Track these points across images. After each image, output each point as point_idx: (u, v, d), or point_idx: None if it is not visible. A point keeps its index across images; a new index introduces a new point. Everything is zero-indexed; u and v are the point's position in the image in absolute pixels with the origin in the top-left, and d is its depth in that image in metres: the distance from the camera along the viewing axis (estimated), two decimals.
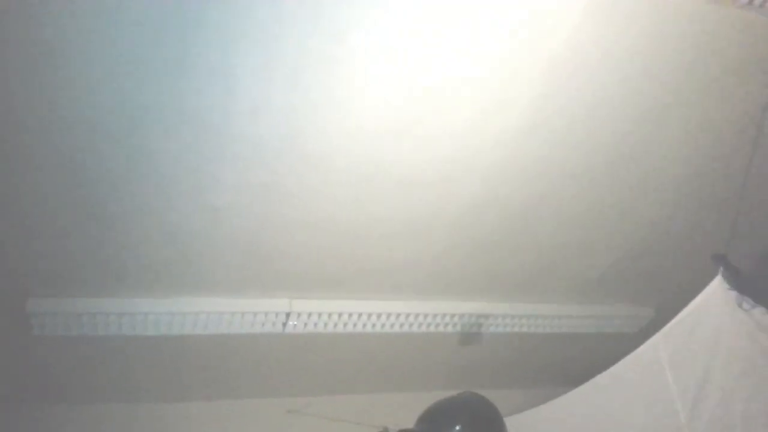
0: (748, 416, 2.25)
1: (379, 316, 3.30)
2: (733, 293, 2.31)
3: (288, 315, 3.11)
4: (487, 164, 2.66)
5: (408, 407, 1.73)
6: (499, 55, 2.22)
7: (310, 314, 3.16)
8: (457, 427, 1.35)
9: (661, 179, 2.98)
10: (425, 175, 2.63)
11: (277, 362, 3.46)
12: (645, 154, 2.82)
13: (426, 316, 3.37)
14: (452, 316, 3.42)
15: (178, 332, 2.96)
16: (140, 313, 2.84)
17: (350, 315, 3.25)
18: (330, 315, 3.20)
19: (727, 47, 2.40)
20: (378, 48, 2.11)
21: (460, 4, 2.05)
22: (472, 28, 2.11)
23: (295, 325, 3.16)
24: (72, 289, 2.72)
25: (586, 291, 3.67)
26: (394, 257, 3.04)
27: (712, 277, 2.38)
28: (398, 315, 3.33)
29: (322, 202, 2.63)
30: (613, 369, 2.73)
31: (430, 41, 2.12)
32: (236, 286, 2.94)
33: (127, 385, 3.28)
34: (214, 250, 2.72)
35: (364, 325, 3.31)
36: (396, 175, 2.59)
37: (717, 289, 2.36)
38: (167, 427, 3.41)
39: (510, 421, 1.58)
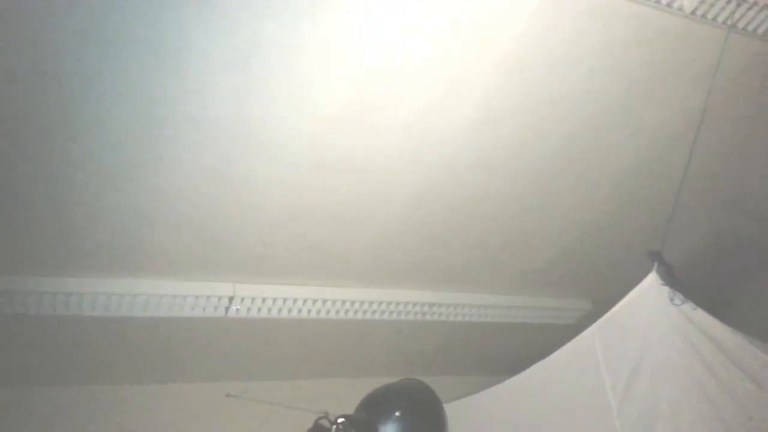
0: (675, 406, 2.35)
1: (324, 302, 3.28)
2: (666, 288, 2.40)
3: (231, 299, 3.06)
4: (435, 157, 2.68)
5: (349, 393, 1.73)
6: (451, 51, 2.23)
7: (253, 299, 3.11)
8: (397, 413, 1.36)
9: (602, 178, 3.08)
10: (374, 165, 2.63)
11: (217, 346, 3.40)
12: (587, 154, 2.90)
13: (371, 303, 3.38)
14: (396, 304, 3.45)
15: (115, 314, 2.86)
16: (76, 294, 2.73)
17: (294, 301, 3.22)
18: (274, 300, 3.17)
19: (669, 53, 2.48)
20: (331, 36, 2.08)
21: None
22: (425, 22, 2.11)
23: (238, 309, 3.12)
24: (9, 268, 2.60)
25: (528, 283, 3.76)
26: (340, 244, 3.03)
27: (646, 273, 2.46)
28: (343, 302, 3.33)
29: (271, 188, 2.59)
30: (549, 358, 2.80)
31: (383, 33, 2.11)
32: (179, 268, 2.87)
33: (60, 366, 3.16)
34: (156, 231, 2.64)
35: (309, 311, 3.29)
36: (345, 163, 2.58)
37: (651, 284, 2.45)
38: (100, 411, 3.30)
39: (449, 408, 1.60)
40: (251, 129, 2.32)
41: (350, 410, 1.63)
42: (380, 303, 3.41)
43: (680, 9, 2.26)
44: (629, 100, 2.66)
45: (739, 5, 2.27)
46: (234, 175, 2.48)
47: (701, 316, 2.37)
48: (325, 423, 1.34)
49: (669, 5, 2.23)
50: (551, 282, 3.81)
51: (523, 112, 2.57)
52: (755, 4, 2.32)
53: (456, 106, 2.45)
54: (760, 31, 2.43)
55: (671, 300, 2.39)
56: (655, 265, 2.43)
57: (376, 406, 1.39)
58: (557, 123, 2.68)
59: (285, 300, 3.19)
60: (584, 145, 2.85)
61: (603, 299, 2.95)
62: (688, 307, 2.37)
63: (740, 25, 2.37)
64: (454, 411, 1.81)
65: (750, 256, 4.11)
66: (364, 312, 3.43)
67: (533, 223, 3.26)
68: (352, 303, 3.35)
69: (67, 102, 2.07)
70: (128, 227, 2.57)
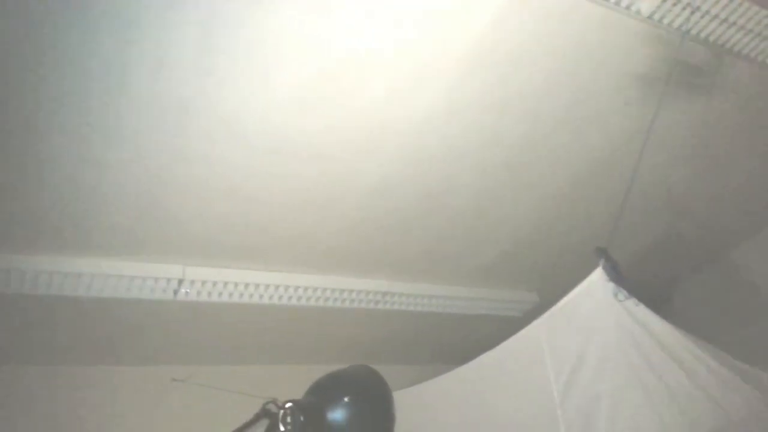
0: (615, 398, 2.44)
1: (276, 287, 3.26)
2: (611, 285, 2.46)
3: (180, 282, 3.00)
4: (395, 148, 2.68)
5: (298, 380, 1.73)
6: (415, 43, 2.23)
7: (204, 282, 3.06)
8: (346, 399, 1.37)
9: (556, 176, 3.14)
10: (334, 151, 2.62)
11: (165, 329, 3.34)
12: (543, 152, 2.96)
13: (324, 290, 3.38)
14: (350, 291, 3.45)
15: (58, 293, 2.77)
16: (17, 270, 2.63)
17: (246, 285, 3.19)
18: (225, 284, 3.12)
19: (626, 56, 2.54)
20: (297, 20, 2.05)
21: None
22: (390, 12, 2.10)
23: (188, 292, 3.06)
24: None
25: (479, 275, 3.82)
26: (295, 230, 3.01)
27: (592, 269, 2.53)
28: (296, 288, 3.31)
29: (228, 169, 2.55)
30: (497, 349, 2.86)
31: (347, 18, 2.09)
32: (127, 248, 2.80)
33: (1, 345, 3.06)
34: (103, 209, 2.56)
35: (261, 297, 3.26)
36: (306, 148, 2.55)
37: (596, 279, 2.51)
38: (42, 391, 3.22)
39: (398, 395, 1.62)
40: (210, 107, 2.26)
41: (299, 397, 1.64)
42: (333, 290, 3.41)
43: (638, 12, 2.31)
44: (585, 101, 2.72)
45: (693, 12, 2.34)
46: (189, 154, 2.42)
47: (643, 312, 2.44)
48: (272, 408, 1.34)
49: (627, 8, 2.28)
50: (501, 275, 3.89)
51: (484, 108, 2.59)
52: (707, 12, 2.39)
53: (418, 98, 2.46)
54: (712, 39, 2.51)
55: (615, 296, 2.46)
56: (602, 261, 2.49)
57: (324, 391, 1.39)
58: (516, 121, 2.71)
59: (236, 284, 3.16)
60: (541, 144, 2.90)
61: (550, 293, 3.02)
62: (631, 303, 2.44)
63: (694, 32, 2.45)
64: (402, 398, 1.83)
65: (689, 258, 4.28)
66: (317, 299, 3.42)
67: (488, 216, 3.31)
68: (305, 289, 3.34)
69: (12, 73, 1.99)
70: (73, 203, 2.49)
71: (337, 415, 1.34)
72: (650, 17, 2.35)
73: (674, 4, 2.32)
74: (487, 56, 2.37)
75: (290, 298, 3.34)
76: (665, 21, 2.38)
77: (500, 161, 2.94)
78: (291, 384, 1.93)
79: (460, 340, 4.21)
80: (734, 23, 2.46)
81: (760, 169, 3.54)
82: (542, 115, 2.73)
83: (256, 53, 2.12)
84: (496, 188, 3.12)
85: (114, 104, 2.15)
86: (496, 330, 3.39)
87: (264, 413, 1.34)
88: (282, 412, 1.30)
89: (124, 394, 3.42)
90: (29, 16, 1.85)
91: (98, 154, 2.32)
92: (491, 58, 2.38)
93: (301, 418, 1.29)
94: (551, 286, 3.42)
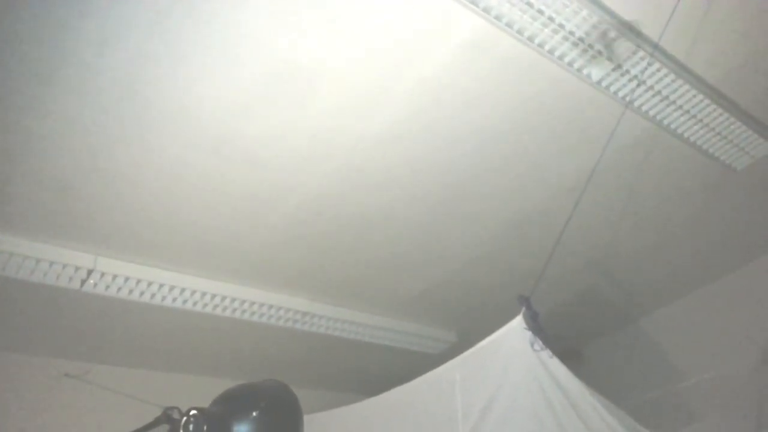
0: None
1: (192, 292, 3.14)
2: (528, 333, 2.50)
3: (90, 272, 2.84)
4: (333, 166, 2.66)
5: (201, 392, 1.66)
6: (373, 61, 2.23)
7: (115, 276, 2.91)
8: (254, 413, 1.30)
9: (491, 218, 3.20)
10: (275, 161, 2.57)
11: (66, 321, 3.15)
12: (482, 193, 3.01)
13: (242, 302, 3.28)
14: (269, 307, 3.37)
15: None
16: None
17: (160, 286, 3.05)
18: (138, 281, 2.98)
19: (572, 115, 2.64)
20: (255, 19, 2.02)
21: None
22: (351, 26, 2.10)
23: (96, 284, 2.90)
24: None
25: (401, 308, 3.81)
26: (220, 236, 2.92)
27: (513, 316, 2.57)
28: (213, 296, 3.20)
29: (162, 160, 2.44)
30: (410, 384, 2.85)
31: (307, 27, 2.07)
32: (37, 228, 2.63)
33: None
34: (15, 183, 2.40)
35: (174, 300, 3.13)
36: (247, 153, 2.49)
37: (516, 326, 2.55)
38: None
39: (307, 419, 1.56)
40: (152, 92, 2.17)
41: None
42: (252, 303, 3.31)
43: (588, 76, 2.41)
44: (531, 149, 2.80)
45: (638, 86, 2.46)
46: (122, 136, 2.31)
47: (555, 364, 2.49)
48: (174, 414, 1.25)
49: (579, 71, 2.38)
50: (424, 310, 3.90)
51: (432, 138, 2.62)
52: (651, 88, 2.53)
53: (368, 117, 2.45)
54: (652, 113, 2.65)
55: (531, 345, 2.50)
56: (523, 309, 2.54)
57: (233, 402, 1.32)
58: (461, 156, 2.75)
59: (150, 283, 3.01)
60: (482, 184, 2.95)
61: (469, 334, 3.04)
62: (545, 354, 2.49)
63: (636, 103, 2.57)
64: (311, 423, 1.78)
65: (603, 318, 4.44)
66: (234, 310, 3.31)
67: (418, 249, 3.32)
68: (223, 298, 3.23)
69: None
70: None
71: (242, 428, 1.27)
72: (599, 83, 2.46)
73: (622, 75, 2.44)
74: (441, 92, 2.40)
75: (205, 305, 3.22)
76: (612, 89, 2.49)
77: (440, 196, 2.97)
78: (193, 395, 1.84)
79: (375, 370, 4.17)
80: (674, 102, 2.60)
81: (679, 243, 3.73)
82: (487, 156, 2.78)
83: (208, 46, 2.06)
84: (432, 222, 3.14)
85: (53, 77, 2.04)
86: (411, 364, 3.38)
87: (165, 419, 1.26)
88: (184, 419, 1.22)
89: (10, 383, 3.18)
90: None
91: (24, 122, 2.18)
92: (445, 95, 2.41)
93: (204, 428, 1.21)
94: (471, 328, 3.46)
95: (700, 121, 2.73)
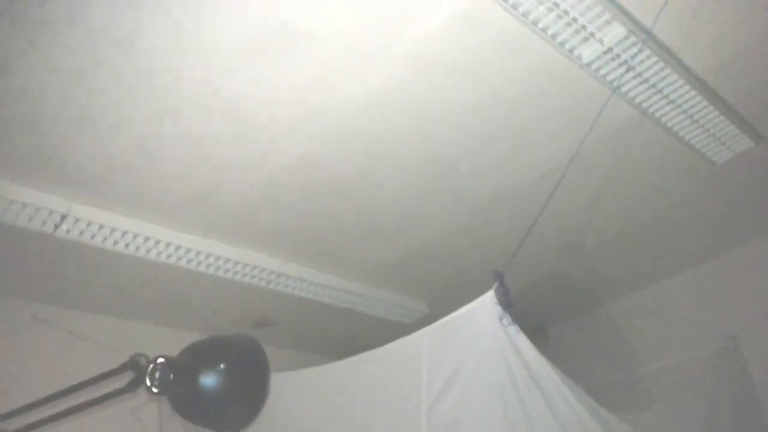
0: (477, 417, 2.51)
1: (166, 245, 3.11)
2: (498, 308, 2.54)
3: (64, 217, 2.80)
4: (317, 129, 2.64)
5: (169, 343, 1.66)
6: (362, 26, 2.19)
7: (89, 223, 2.87)
8: (222, 365, 1.31)
9: (473, 192, 3.22)
10: (258, 120, 2.54)
11: (36, 264, 3.12)
12: (465, 166, 3.02)
13: (217, 258, 3.27)
14: (244, 265, 3.36)
15: None
16: None
17: (135, 236, 3.01)
18: (112, 230, 2.94)
19: (559, 94, 2.65)
20: None
21: None
22: None
23: (69, 230, 2.86)
24: None
25: (377, 275, 3.84)
26: (198, 190, 2.89)
27: (485, 291, 2.60)
28: (187, 249, 3.17)
29: (138, 108, 2.39)
30: (378, 350, 2.87)
31: None
32: (11, 169, 2.58)
33: None
34: None
35: (148, 251, 3.11)
36: (230, 107, 2.46)
37: (486, 301, 2.58)
38: None
39: (274, 377, 1.58)
40: (140, 39, 2.11)
41: None
42: (227, 260, 3.30)
43: (579, 57, 2.41)
44: (514, 127, 2.80)
45: (627, 71, 2.46)
46: (105, 82, 2.26)
47: (521, 340, 2.52)
48: (141, 361, 1.26)
49: (570, 51, 2.37)
50: (399, 279, 3.93)
51: (417, 109, 2.61)
52: (640, 75, 2.53)
53: (355, 84, 2.43)
54: (638, 100, 2.66)
55: (500, 320, 2.53)
56: (496, 284, 2.57)
57: (202, 353, 1.32)
58: (445, 129, 2.75)
59: (125, 233, 2.98)
60: (464, 158, 2.96)
61: (440, 306, 3.07)
62: (513, 330, 2.51)
63: (624, 89, 2.58)
64: (279, 382, 1.79)
65: (572, 300, 4.52)
66: (208, 265, 3.30)
67: (396, 218, 3.33)
68: (197, 253, 3.21)
69: None
70: None
71: (209, 380, 1.28)
72: (588, 65, 2.45)
73: (612, 59, 2.44)
74: (430, 63, 2.38)
75: (179, 258, 3.20)
76: (601, 72, 2.49)
77: (421, 167, 2.97)
78: (162, 345, 1.84)
79: (344, 335, 4.22)
80: (660, 91, 2.62)
81: (652, 232, 3.79)
82: (471, 131, 2.78)
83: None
84: (412, 193, 3.15)
85: (40, 16, 1.98)
86: (381, 332, 3.41)
87: (131, 365, 1.26)
88: (151, 366, 1.23)
89: None
90: None
91: (9, 61, 2.12)
92: (434, 66, 2.40)
93: (171, 376, 1.22)
94: (443, 300, 3.50)
95: (685, 112, 2.75)
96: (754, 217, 3.75)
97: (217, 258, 3.27)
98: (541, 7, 2.17)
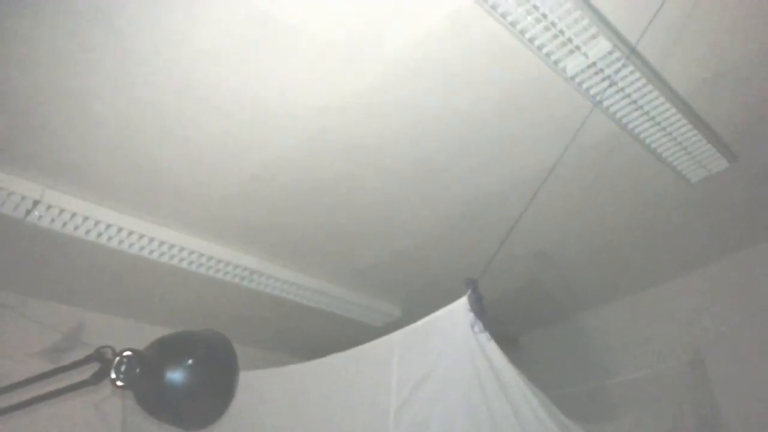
0: (444, 424, 2.51)
1: (139, 236, 3.07)
2: (471, 315, 2.54)
3: (36, 203, 2.74)
4: (301, 128, 2.63)
5: (138, 336, 1.63)
6: (352, 24, 2.18)
7: (62, 210, 2.81)
8: (190, 361, 1.28)
9: (450, 198, 3.23)
10: (243, 113, 2.52)
11: (4, 250, 3.04)
12: (443, 172, 3.03)
13: (191, 252, 3.23)
14: (218, 261, 3.33)
15: None
16: None
17: (108, 226, 2.96)
18: (85, 219, 2.89)
19: (544, 111, 2.67)
20: None
21: None
22: None
23: (41, 217, 2.80)
24: None
25: (351, 277, 3.83)
26: (179, 183, 2.86)
27: (459, 298, 2.60)
28: (161, 242, 3.13)
29: (119, 95, 2.35)
30: (348, 352, 2.86)
31: None
32: None
33: None
34: None
35: (120, 242, 3.06)
36: (211, 100, 2.43)
37: (459, 307, 2.59)
38: None
39: (243, 376, 1.56)
40: (124, 22, 2.07)
41: None
42: (201, 255, 3.27)
43: (564, 70, 2.43)
44: (496, 136, 2.82)
45: (610, 86, 2.49)
46: (87, 66, 2.21)
47: (492, 348, 2.53)
48: (107, 353, 1.23)
49: (555, 63, 2.39)
50: (373, 282, 3.92)
51: (402, 111, 2.61)
52: (621, 90, 2.56)
53: (341, 82, 2.42)
54: (618, 116, 2.69)
55: (472, 327, 2.54)
56: (469, 291, 2.57)
57: (170, 348, 1.29)
58: (428, 133, 2.75)
59: (98, 222, 2.93)
60: (445, 163, 2.96)
61: (412, 311, 3.07)
62: (484, 337, 2.52)
63: (605, 104, 2.61)
64: (247, 380, 1.77)
65: (544, 309, 4.55)
66: (181, 260, 3.26)
67: (374, 221, 3.33)
68: (170, 246, 3.17)
69: None
70: None
71: (176, 375, 1.25)
72: (573, 78, 2.47)
73: (596, 73, 2.46)
74: (417, 65, 2.38)
75: (152, 251, 3.16)
76: (584, 86, 2.51)
77: (402, 170, 2.97)
78: (129, 339, 1.81)
79: (315, 335, 4.19)
80: (641, 107, 2.65)
81: (626, 245, 3.84)
82: (453, 137, 2.79)
83: None
84: (392, 196, 3.15)
85: None
86: (352, 334, 3.40)
87: (97, 356, 1.23)
88: (117, 359, 1.20)
89: None
90: None
91: None
92: (421, 69, 2.40)
93: (137, 370, 1.19)
94: (416, 304, 3.49)
95: (664, 129, 2.78)
96: (723, 235, 3.82)
97: (191, 252, 3.23)
98: (529, 18, 2.18)
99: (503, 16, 2.17)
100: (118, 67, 2.25)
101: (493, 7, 2.13)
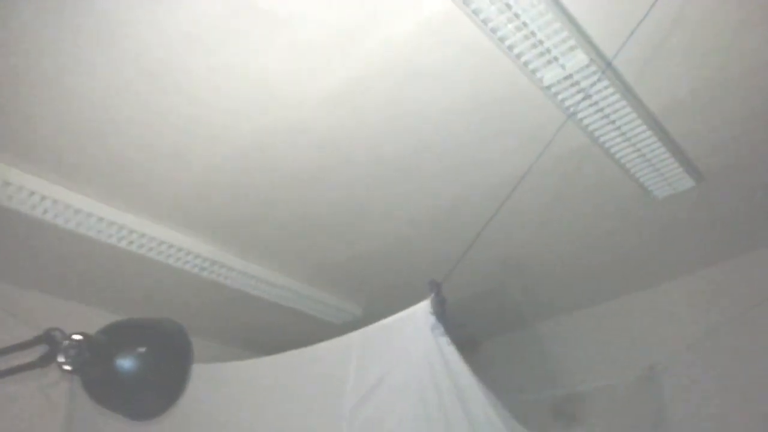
0: (399, 424, 2.50)
1: (100, 220, 2.98)
2: (432, 318, 2.54)
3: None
4: (275, 118, 2.59)
5: (92, 321, 1.58)
6: (334, 18, 2.16)
7: (31, 193, 2.72)
8: (141, 349, 1.24)
9: (420, 201, 3.23)
10: (215, 101, 2.47)
11: None
12: (416, 172, 3.01)
13: (151, 238, 3.15)
14: (178, 249, 3.26)
15: None
16: None
17: (77, 211, 2.88)
18: (54, 202, 2.80)
19: (517, 118, 2.68)
20: None
21: None
22: None
23: (12, 198, 2.70)
24: None
25: (314, 273, 3.79)
26: (146, 168, 2.79)
27: (422, 300, 2.59)
28: (121, 227, 3.05)
29: (88, 75, 2.28)
30: (307, 349, 2.83)
31: None
32: None
33: None
34: None
35: (79, 224, 2.96)
36: (184, 84, 2.37)
37: (421, 309, 2.58)
38: None
39: (196, 368, 1.51)
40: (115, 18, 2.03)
41: None
42: (161, 242, 3.20)
43: (540, 79, 2.43)
44: (468, 141, 2.82)
45: (584, 99, 2.51)
46: (54, 44, 2.13)
47: (451, 352, 2.53)
48: (57, 335, 1.17)
49: (533, 72, 2.40)
50: (335, 279, 3.89)
51: (376, 108, 2.59)
52: (595, 104, 2.58)
53: (318, 75, 2.38)
54: (590, 128, 2.72)
55: (432, 330, 2.53)
56: (433, 294, 2.57)
57: (123, 334, 1.25)
58: (401, 133, 2.74)
59: (67, 206, 2.84)
60: (416, 165, 2.95)
61: (374, 311, 3.06)
62: (444, 341, 2.52)
63: (579, 116, 2.63)
64: (201, 373, 1.73)
65: (506, 316, 4.58)
66: (140, 245, 3.18)
67: (342, 218, 3.30)
68: (131, 232, 3.09)
69: None
70: None
71: (127, 362, 1.21)
72: (549, 88, 2.48)
73: (572, 85, 2.47)
74: (396, 64, 2.36)
75: (110, 236, 3.07)
76: (559, 97, 2.53)
77: (373, 169, 2.96)
78: (81, 324, 1.75)
79: (273, 330, 4.14)
80: (613, 122, 2.68)
81: (590, 256, 3.88)
82: (426, 139, 2.79)
83: None
84: (360, 195, 3.13)
85: None
86: (311, 331, 3.37)
87: (45, 338, 1.18)
88: (66, 342, 1.15)
89: None
90: None
91: None
92: (399, 68, 2.38)
93: (87, 355, 1.14)
94: (378, 304, 3.47)
95: (634, 145, 2.82)
96: (684, 253, 3.89)
97: (152, 239, 3.15)
98: (510, 25, 2.18)
99: (485, 22, 2.16)
100: (90, 48, 2.17)
101: (475, 12, 2.12)
